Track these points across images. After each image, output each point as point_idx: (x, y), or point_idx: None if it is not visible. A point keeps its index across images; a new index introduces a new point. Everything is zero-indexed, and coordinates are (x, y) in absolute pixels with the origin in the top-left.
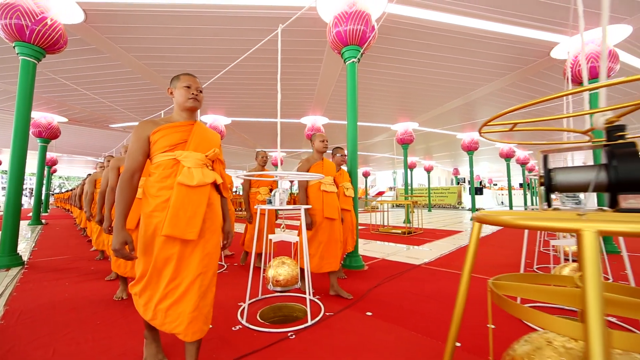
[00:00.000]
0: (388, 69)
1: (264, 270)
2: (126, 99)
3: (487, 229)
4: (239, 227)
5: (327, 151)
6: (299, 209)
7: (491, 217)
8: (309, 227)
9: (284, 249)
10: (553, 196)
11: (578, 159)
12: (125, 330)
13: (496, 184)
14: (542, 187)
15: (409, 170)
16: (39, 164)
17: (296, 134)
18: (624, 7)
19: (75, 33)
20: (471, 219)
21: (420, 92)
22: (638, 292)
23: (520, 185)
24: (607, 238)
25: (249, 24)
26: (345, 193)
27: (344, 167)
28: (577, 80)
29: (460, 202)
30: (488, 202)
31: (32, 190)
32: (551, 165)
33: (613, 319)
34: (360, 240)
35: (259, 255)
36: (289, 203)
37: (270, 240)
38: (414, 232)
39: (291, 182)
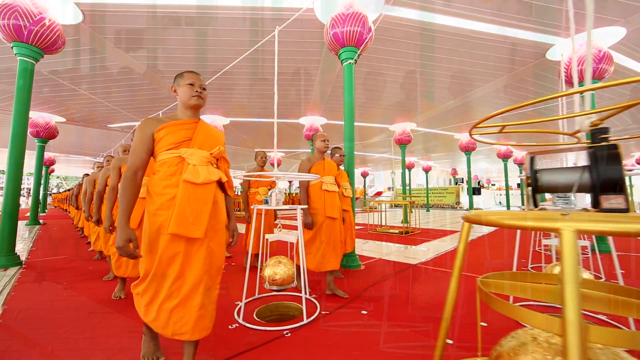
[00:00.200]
0: (386, 70)
1: (261, 269)
2: (124, 99)
3: (486, 229)
4: (240, 228)
5: (327, 151)
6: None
7: (479, 217)
8: (310, 226)
9: (284, 249)
10: (548, 196)
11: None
12: (123, 329)
13: (494, 184)
14: (529, 188)
15: (407, 170)
16: (36, 164)
17: (295, 134)
18: (618, 10)
19: (73, 33)
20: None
21: (417, 92)
22: (621, 290)
23: (518, 185)
24: (602, 238)
25: (247, 25)
26: (344, 193)
27: (342, 167)
28: (572, 82)
29: (458, 203)
30: (487, 202)
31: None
32: (548, 167)
33: (603, 317)
34: (358, 240)
35: (256, 255)
36: (286, 203)
37: (267, 239)
38: (411, 232)
39: (290, 182)
